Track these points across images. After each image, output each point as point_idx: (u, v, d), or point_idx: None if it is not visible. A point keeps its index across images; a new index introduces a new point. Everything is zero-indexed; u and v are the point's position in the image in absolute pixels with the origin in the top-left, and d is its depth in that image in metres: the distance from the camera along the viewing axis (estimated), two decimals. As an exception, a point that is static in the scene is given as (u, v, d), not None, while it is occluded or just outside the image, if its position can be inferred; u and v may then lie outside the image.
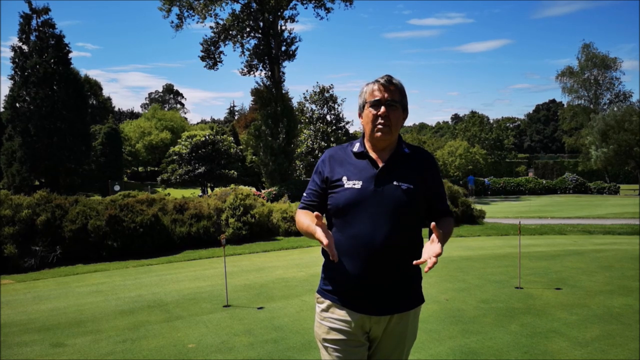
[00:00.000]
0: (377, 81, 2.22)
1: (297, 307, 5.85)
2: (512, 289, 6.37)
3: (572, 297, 5.98)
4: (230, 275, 7.39)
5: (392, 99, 2.19)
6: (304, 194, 2.35)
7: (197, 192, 34.11)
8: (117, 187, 28.64)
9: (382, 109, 2.17)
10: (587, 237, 13.08)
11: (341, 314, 2.20)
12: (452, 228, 2.30)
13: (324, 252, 2.26)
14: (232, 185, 31.49)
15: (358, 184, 2.16)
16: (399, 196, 2.13)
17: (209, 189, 35.57)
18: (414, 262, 1.95)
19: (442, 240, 2.01)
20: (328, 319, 2.23)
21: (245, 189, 15.46)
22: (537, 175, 50.74)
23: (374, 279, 2.13)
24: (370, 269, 2.11)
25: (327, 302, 2.24)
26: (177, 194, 27.75)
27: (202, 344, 4.69)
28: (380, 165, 2.19)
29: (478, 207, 17.32)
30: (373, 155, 2.23)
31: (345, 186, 2.18)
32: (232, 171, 36.14)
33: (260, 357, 4.32)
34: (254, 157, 40.99)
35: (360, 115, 2.30)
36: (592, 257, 8.81)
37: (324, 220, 2.11)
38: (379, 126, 2.18)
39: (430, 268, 1.91)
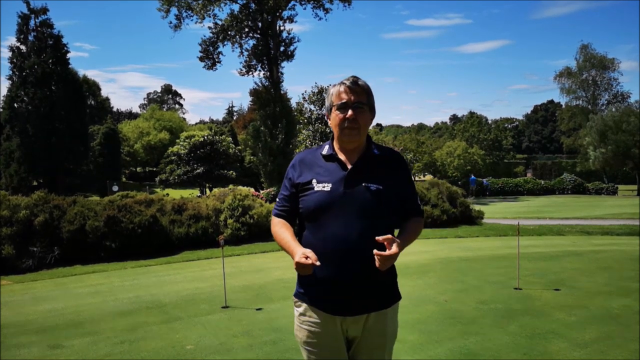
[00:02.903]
0: (342, 83, 2.23)
1: (295, 308, 5.84)
2: (511, 290, 6.36)
3: (571, 298, 5.98)
4: (229, 276, 7.37)
5: (359, 101, 2.20)
6: (277, 199, 2.40)
7: (196, 192, 34.04)
8: (115, 188, 28.59)
9: (350, 112, 2.19)
10: (585, 237, 13.10)
11: (317, 316, 2.23)
12: (419, 229, 2.36)
13: None
14: (231, 186, 31.45)
15: (327, 187, 2.18)
16: (368, 197, 2.15)
17: (207, 190, 35.53)
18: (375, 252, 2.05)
19: (400, 245, 2.09)
20: (306, 322, 2.26)
21: (244, 189, 15.45)
22: (535, 175, 50.80)
23: (345, 281, 2.14)
24: (342, 271, 2.13)
25: (304, 306, 2.27)
26: (175, 194, 27.68)
27: (200, 345, 4.68)
28: (349, 167, 2.21)
29: (477, 207, 17.34)
30: (342, 157, 2.25)
31: (315, 189, 2.20)
32: (231, 172, 36.11)
33: (259, 358, 4.31)
34: (252, 157, 40.98)
35: (328, 117, 2.31)
36: (591, 257, 8.81)
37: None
38: (347, 129, 2.20)
39: (380, 263, 2.03)
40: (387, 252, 2.02)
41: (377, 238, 2.04)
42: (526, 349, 4.33)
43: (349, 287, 2.14)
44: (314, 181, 2.21)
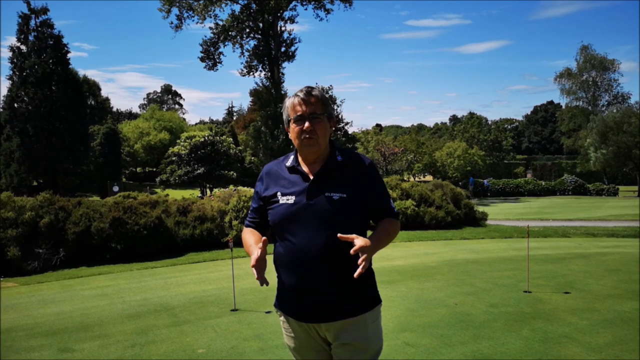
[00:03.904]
0: (297, 95, 2.25)
1: (305, 311, 5.80)
2: (520, 293, 6.34)
3: (581, 301, 5.96)
4: (236, 278, 7.35)
5: (314, 111, 2.21)
6: (249, 212, 2.47)
7: (196, 192, 33.95)
8: (116, 188, 28.50)
9: (307, 124, 2.20)
10: (591, 239, 13.09)
11: (294, 324, 2.29)
12: (392, 228, 2.30)
13: (275, 264, 2.33)
14: (231, 186, 31.38)
15: (291, 199, 2.21)
16: (331, 207, 2.16)
17: (207, 190, 35.45)
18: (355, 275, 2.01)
19: (372, 247, 2.06)
20: (288, 330, 2.34)
21: (249, 190, 15.40)
22: (535, 176, 50.82)
23: (312, 290, 2.17)
24: (308, 281, 2.16)
25: (283, 315, 2.33)
26: (176, 194, 27.58)
27: (212, 349, 4.66)
28: (311, 177, 2.23)
29: (480, 209, 17.34)
30: (305, 168, 2.27)
31: (280, 202, 2.23)
32: (232, 172, 36.02)
33: (272, 362, 4.29)
34: (253, 158, 40.95)
35: (287, 130, 2.33)
36: (598, 260, 8.79)
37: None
38: (306, 140, 2.21)
39: (362, 267, 1.99)
40: (358, 245, 2.00)
41: (339, 235, 2.04)
42: (540, 354, 4.30)
43: (316, 295, 2.17)
44: (278, 194, 2.25)
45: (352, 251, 2.00)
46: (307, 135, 2.20)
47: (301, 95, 2.23)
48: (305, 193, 2.19)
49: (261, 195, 2.34)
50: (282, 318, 2.36)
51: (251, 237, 2.32)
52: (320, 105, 2.24)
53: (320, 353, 2.32)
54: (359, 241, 2.02)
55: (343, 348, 2.23)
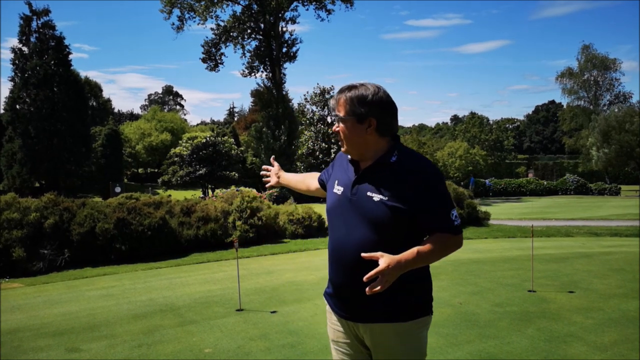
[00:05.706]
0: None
1: (310, 311, 5.83)
2: (525, 293, 6.36)
3: (586, 300, 5.98)
4: (241, 278, 7.38)
5: (337, 114, 2.20)
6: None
7: (198, 193, 33.99)
8: (118, 189, 28.51)
9: (334, 126, 2.23)
10: (594, 239, 13.08)
11: (334, 317, 2.30)
12: (438, 245, 2.06)
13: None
14: (233, 187, 31.41)
15: (339, 190, 2.22)
16: (370, 207, 2.07)
17: (209, 191, 35.49)
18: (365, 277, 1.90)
19: (396, 260, 1.92)
20: (330, 321, 2.35)
21: (252, 191, 15.43)
22: (537, 176, 50.78)
23: (348, 286, 2.14)
24: (344, 277, 2.15)
25: (327, 305, 2.34)
26: (178, 195, 27.60)
27: (218, 348, 4.69)
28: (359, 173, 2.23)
29: (483, 208, 17.34)
30: (360, 163, 2.22)
31: (333, 190, 2.26)
32: (233, 173, 36.07)
33: (280, 362, 4.32)
34: (254, 158, 41.02)
35: None
36: (601, 259, 8.80)
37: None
38: (339, 141, 2.25)
39: (368, 290, 1.90)
40: (376, 270, 1.88)
41: (362, 255, 1.94)
42: (546, 353, 4.32)
43: (349, 293, 2.15)
44: (336, 182, 2.27)
45: (365, 278, 1.89)
46: (337, 137, 2.23)
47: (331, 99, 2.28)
48: (350, 187, 2.18)
49: (325, 175, 2.49)
50: (327, 308, 2.36)
51: (302, 174, 2.80)
52: (344, 106, 2.15)
53: (357, 353, 2.26)
54: (382, 262, 1.89)
55: (375, 356, 2.21)
